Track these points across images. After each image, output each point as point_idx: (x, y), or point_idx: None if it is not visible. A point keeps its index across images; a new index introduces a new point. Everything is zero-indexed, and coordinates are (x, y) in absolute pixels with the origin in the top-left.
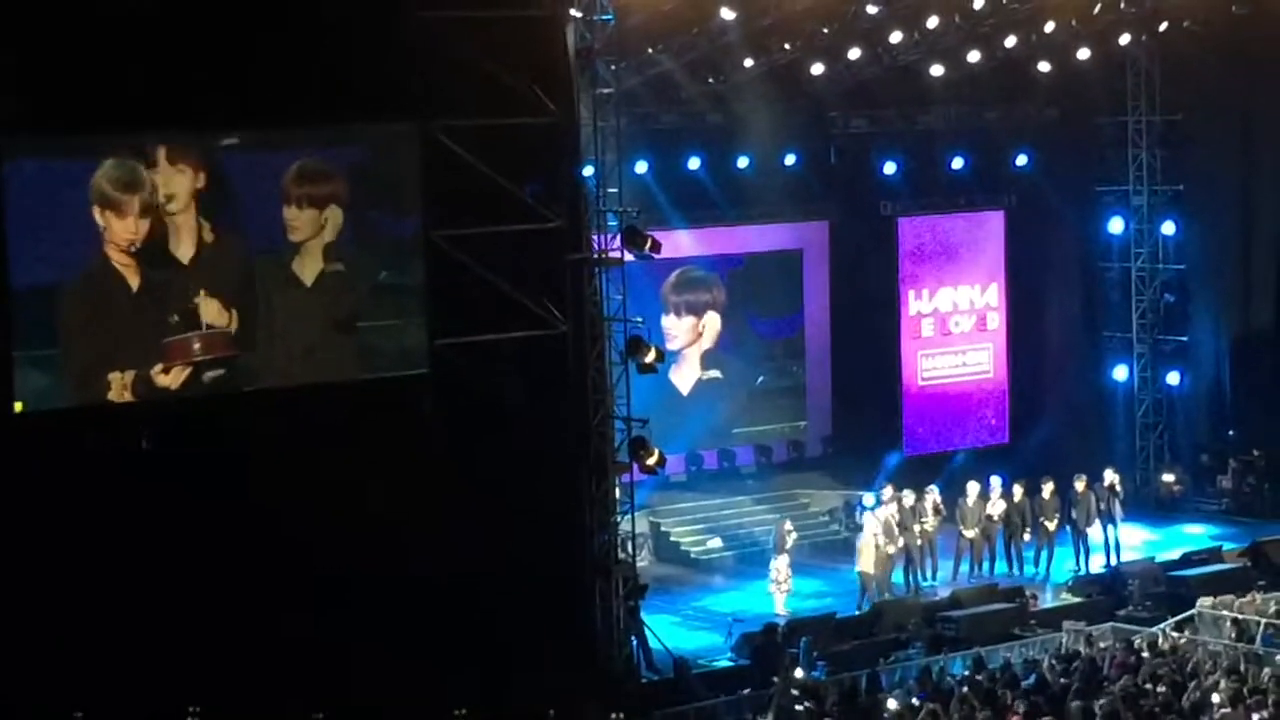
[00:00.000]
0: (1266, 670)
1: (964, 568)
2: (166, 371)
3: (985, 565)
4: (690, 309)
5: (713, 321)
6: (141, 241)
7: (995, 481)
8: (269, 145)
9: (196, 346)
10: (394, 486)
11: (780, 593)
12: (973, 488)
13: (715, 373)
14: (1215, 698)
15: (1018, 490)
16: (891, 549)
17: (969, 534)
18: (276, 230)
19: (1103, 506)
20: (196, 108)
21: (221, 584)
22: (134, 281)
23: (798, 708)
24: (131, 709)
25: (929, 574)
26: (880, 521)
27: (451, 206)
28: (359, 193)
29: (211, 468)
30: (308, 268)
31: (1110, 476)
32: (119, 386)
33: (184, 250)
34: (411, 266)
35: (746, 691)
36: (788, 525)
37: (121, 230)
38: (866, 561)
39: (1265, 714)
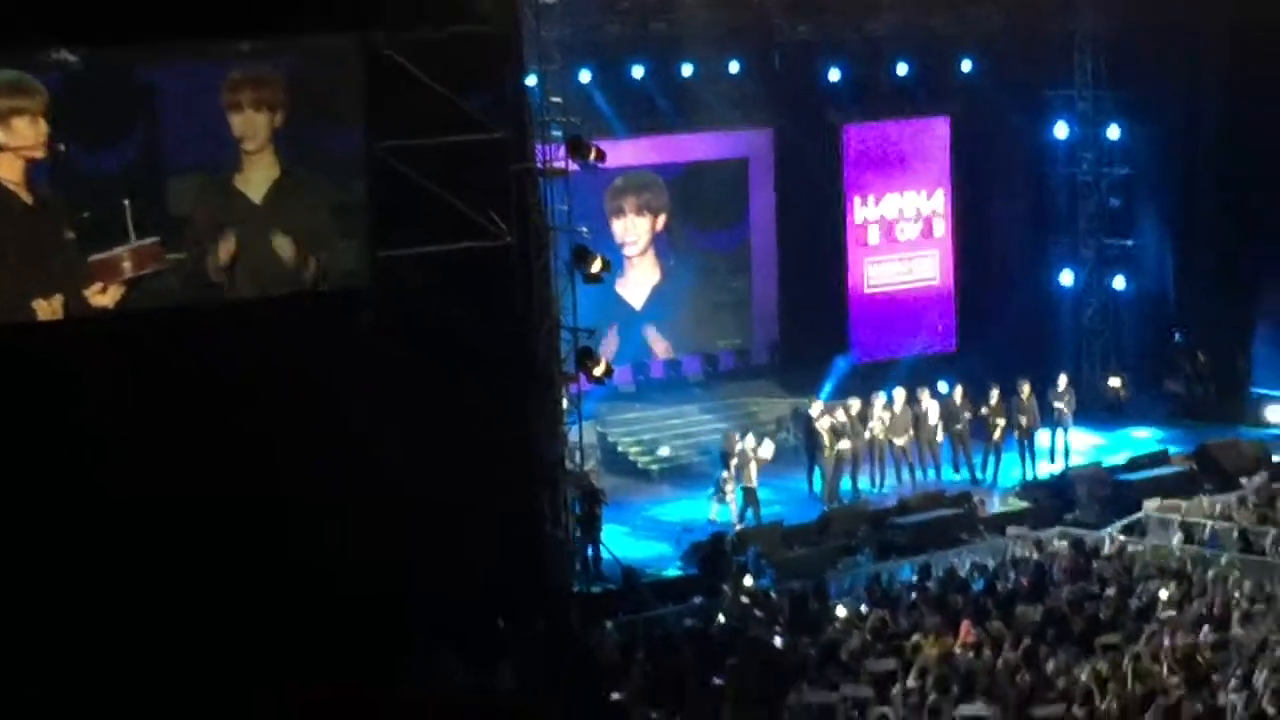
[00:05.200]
0: (1211, 572)
1: (905, 475)
2: (104, 291)
3: (930, 471)
4: (647, 209)
5: (661, 223)
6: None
7: (942, 387)
8: (204, 57)
9: (127, 264)
10: (337, 401)
11: (720, 502)
12: (899, 394)
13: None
14: (1162, 600)
15: (962, 394)
16: (841, 451)
17: (900, 441)
18: (219, 144)
19: (1056, 411)
20: (122, 18)
21: (159, 502)
22: (26, 198)
23: (748, 615)
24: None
25: (876, 481)
26: (823, 429)
27: (394, 119)
28: (300, 107)
29: (151, 384)
30: (254, 183)
31: (1062, 381)
32: (47, 310)
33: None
34: (354, 180)
35: (696, 600)
36: (735, 437)
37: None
38: (748, 478)
39: (1210, 614)
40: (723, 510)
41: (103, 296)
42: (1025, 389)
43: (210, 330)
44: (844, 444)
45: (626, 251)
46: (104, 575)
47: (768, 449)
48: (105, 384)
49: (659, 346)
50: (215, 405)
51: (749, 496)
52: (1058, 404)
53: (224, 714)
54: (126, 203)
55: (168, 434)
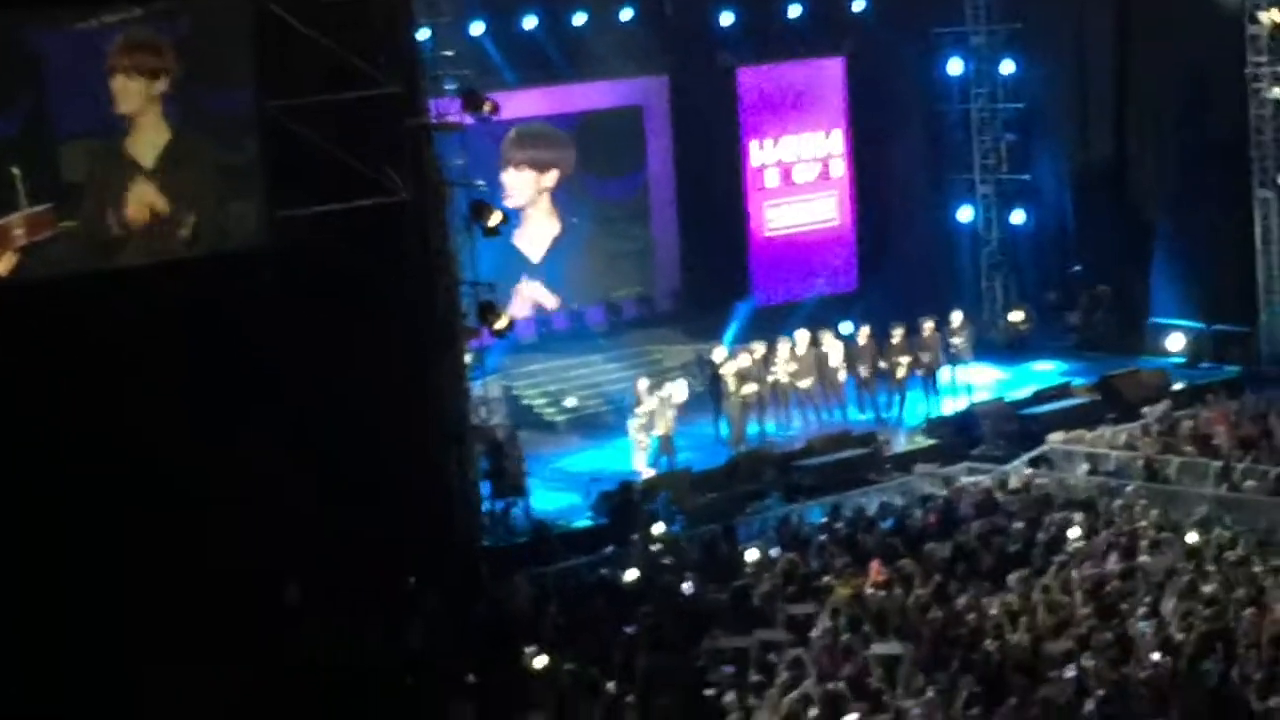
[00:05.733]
0: (1118, 502)
1: (811, 417)
2: None
3: (836, 412)
4: (532, 164)
5: (552, 179)
6: None
7: (845, 328)
8: (93, 22)
9: (19, 232)
10: (238, 363)
11: (641, 449)
12: (802, 336)
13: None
14: (1070, 532)
15: (865, 335)
16: (746, 395)
17: (804, 383)
18: (108, 110)
19: (952, 348)
20: None
21: (64, 472)
22: None
23: (659, 562)
24: None
25: (782, 424)
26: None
27: (284, 78)
28: (189, 69)
29: (50, 352)
30: (143, 147)
31: (957, 317)
32: None
33: None
34: (246, 140)
35: (607, 550)
36: (643, 383)
37: None
38: (663, 425)
39: (1118, 543)
40: (646, 457)
41: None
42: (928, 327)
43: (107, 296)
44: (749, 388)
45: (521, 205)
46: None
47: (681, 390)
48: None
49: (549, 300)
50: (115, 371)
51: (665, 444)
52: (954, 340)
53: (128, 688)
54: (16, 170)
55: (65, 402)
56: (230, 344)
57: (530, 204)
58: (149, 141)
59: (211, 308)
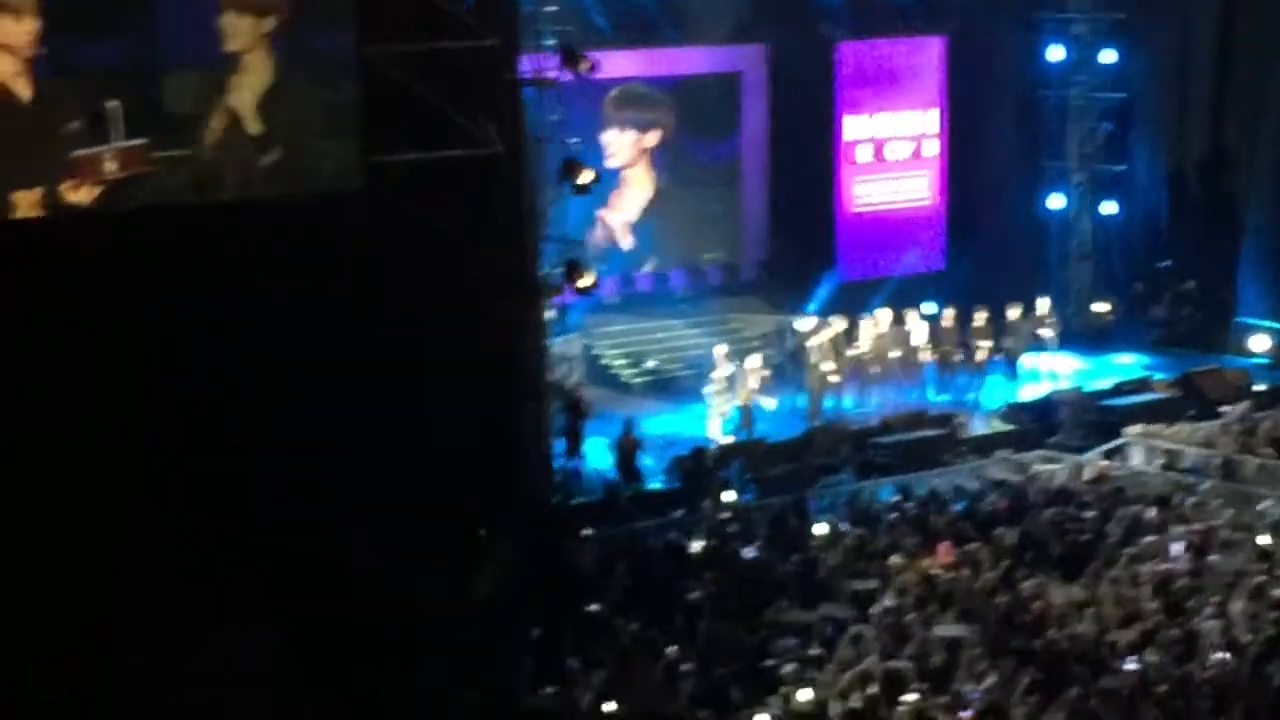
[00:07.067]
0: (1191, 499)
1: (889, 395)
2: (77, 189)
3: (914, 392)
4: (635, 124)
5: (655, 139)
6: (33, 45)
7: (929, 308)
8: None
9: (111, 166)
10: (323, 304)
11: (717, 416)
12: (885, 314)
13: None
14: (1142, 525)
15: (949, 316)
16: (826, 369)
17: (885, 360)
18: (216, 43)
19: (1037, 335)
20: None
21: (142, 413)
22: (24, 92)
23: (728, 530)
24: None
25: (860, 400)
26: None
27: (385, 23)
28: (295, 6)
29: (136, 286)
30: (247, 85)
31: (1042, 305)
32: (26, 205)
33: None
34: (344, 83)
35: (678, 514)
36: (721, 349)
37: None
38: (744, 395)
39: (1190, 540)
40: (724, 425)
41: (76, 194)
42: (1012, 312)
43: (195, 230)
44: (829, 363)
45: (621, 165)
46: (74, 477)
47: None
48: (86, 282)
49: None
50: (194, 308)
51: (745, 414)
52: (1040, 329)
53: (194, 630)
54: (115, 102)
55: (146, 334)
56: (312, 287)
57: (630, 164)
58: (253, 79)
59: (295, 250)
